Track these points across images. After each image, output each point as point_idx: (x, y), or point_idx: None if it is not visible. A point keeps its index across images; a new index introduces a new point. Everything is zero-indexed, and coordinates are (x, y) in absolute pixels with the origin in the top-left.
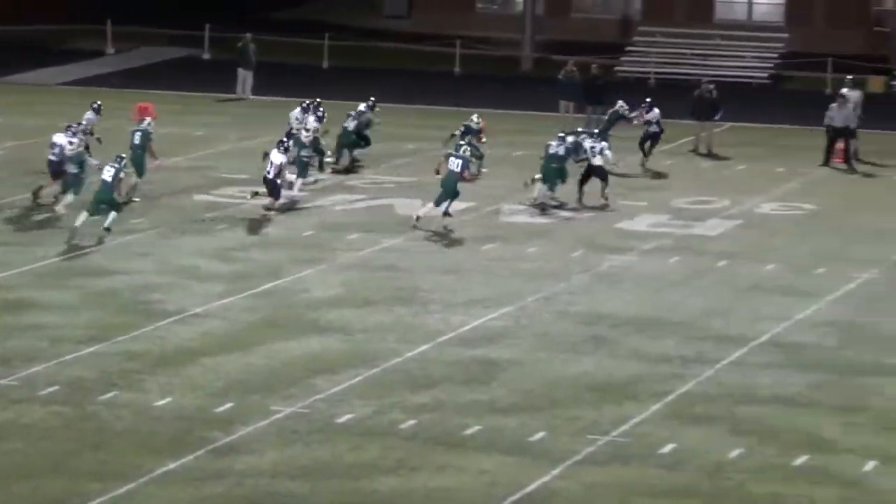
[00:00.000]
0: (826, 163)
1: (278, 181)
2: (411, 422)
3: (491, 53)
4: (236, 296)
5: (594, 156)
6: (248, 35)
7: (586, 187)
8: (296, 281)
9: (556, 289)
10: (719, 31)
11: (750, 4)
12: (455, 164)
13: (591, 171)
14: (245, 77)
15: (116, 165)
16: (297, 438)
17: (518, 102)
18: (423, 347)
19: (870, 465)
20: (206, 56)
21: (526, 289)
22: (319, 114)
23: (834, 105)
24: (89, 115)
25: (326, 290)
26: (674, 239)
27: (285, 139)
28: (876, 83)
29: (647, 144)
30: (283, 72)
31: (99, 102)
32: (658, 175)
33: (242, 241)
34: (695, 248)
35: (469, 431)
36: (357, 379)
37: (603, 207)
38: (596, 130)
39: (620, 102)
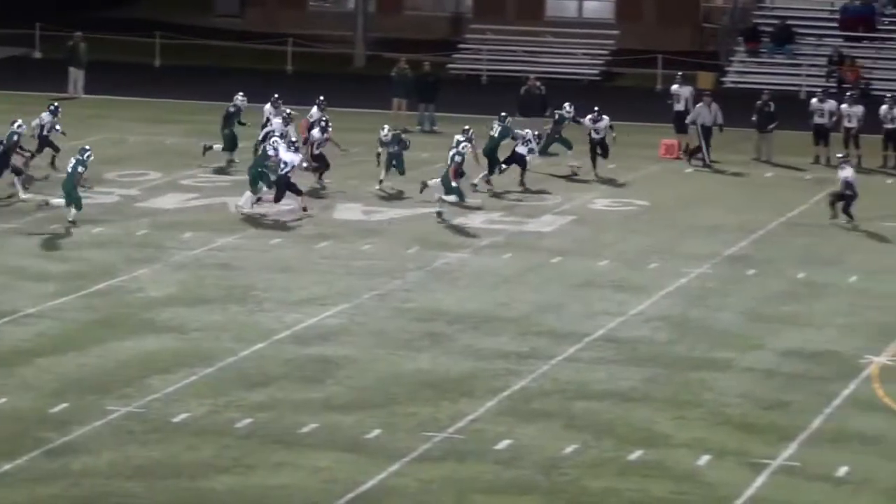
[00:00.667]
0: (707, 163)
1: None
2: (247, 420)
3: (323, 51)
4: (70, 296)
5: (524, 144)
6: (79, 34)
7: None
8: (130, 280)
9: (392, 286)
10: (550, 29)
11: (580, 2)
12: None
13: (513, 157)
14: (77, 76)
15: (79, 157)
16: (134, 438)
17: (351, 100)
18: (259, 346)
19: (703, 459)
20: (37, 55)
21: (361, 286)
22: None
23: (700, 104)
24: (45, 115)
25: (161, 289)
26: (507, 235)
27: (294, 140)
28: (705, 79)
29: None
30: (115, 71)
31: (56, 104)
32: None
33: (76, 241)
34: (528, 245)
35: (305, 429)
36: (193, 378)
37: (521, 192)
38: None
39: (566, 105)
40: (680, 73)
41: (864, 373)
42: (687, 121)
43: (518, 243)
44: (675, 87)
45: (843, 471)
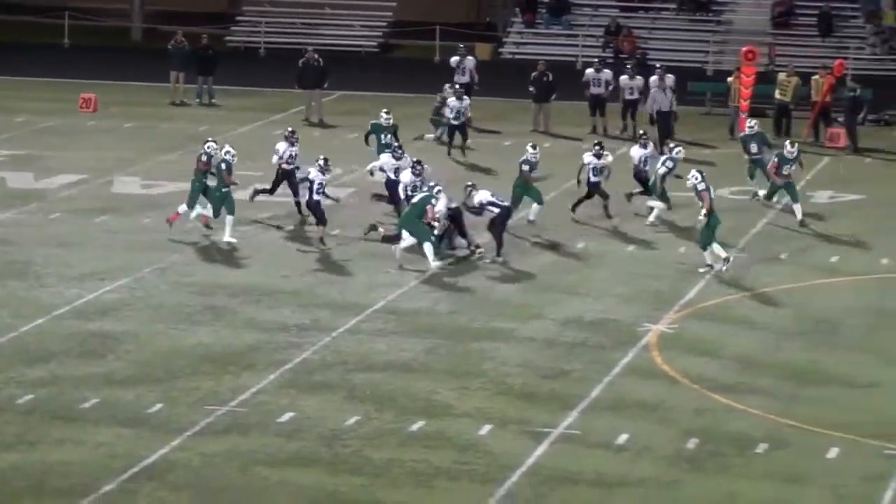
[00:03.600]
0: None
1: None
2: (28, 396)
3: (100, 24)
4: None
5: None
6: None
7: None
8: None
9: (172, 260)
10: (328, 1)
11: None
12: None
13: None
14: None
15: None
16: None
17: (128, 74)
18: (39, 321)
19: (485, 429)
20: None
21: (141, 261)
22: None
23: (655, 88)
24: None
25: None
26: (287, 208)
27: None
28: (483, 51)
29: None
30: None
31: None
32: (273, 144)
33: None
34: (309, 217)
35: (87, 405)
36: None
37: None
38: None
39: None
40: (462, 45)
41: (643, 341)
42: (646, 109)
43: (297, 215)
44: (455, 58)
45: (623, 438)
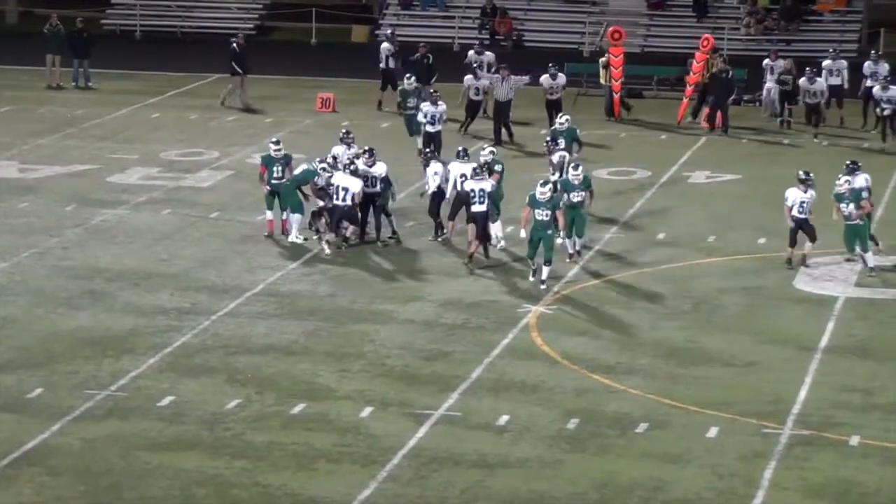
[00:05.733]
0: (498, 143)
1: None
2: None
3: None
4: None
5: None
6: None
7: None
8: None
9: (50, 244)
10: None
11: None
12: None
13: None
14: None
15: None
16: None
17: (4, 57)
18: None
19: (366, 411)
20: None
21: (19, 245)
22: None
23: (497, 81)
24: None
25: None
26: (165, 191)
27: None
28: (360, 33)
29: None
30: None
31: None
32: (150, 127)
33: None
34: (187, 200)
35: None
36: None
37: None
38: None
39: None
40: (388, 31)
41: (523, 322)
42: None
43: (176, 199)
44: (386, 44)
45: (504, 419)
